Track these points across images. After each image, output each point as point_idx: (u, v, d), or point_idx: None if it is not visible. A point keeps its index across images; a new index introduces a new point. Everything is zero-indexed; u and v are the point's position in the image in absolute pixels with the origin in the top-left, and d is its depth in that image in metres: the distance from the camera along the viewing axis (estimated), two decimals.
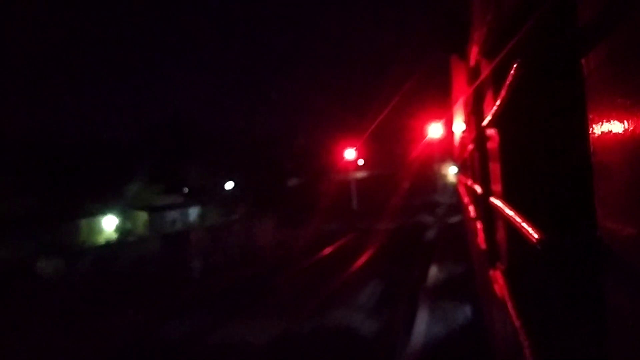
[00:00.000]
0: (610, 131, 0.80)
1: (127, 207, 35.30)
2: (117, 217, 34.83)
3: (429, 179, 40.41)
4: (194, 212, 40.69)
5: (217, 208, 40.83)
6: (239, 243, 21.66)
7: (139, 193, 35.47)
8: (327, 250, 19.26)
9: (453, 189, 31.55)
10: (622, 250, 0.78)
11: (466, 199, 7.81)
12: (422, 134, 33.57)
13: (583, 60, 0.90)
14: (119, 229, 34.54)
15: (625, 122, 0.73)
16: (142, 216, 36.63)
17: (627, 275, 0.76)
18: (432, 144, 34.69)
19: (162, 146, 40.84)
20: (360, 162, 50.70)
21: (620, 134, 0.75)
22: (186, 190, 41.96)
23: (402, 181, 39.27)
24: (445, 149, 32.99)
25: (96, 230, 33.92)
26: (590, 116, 0.88)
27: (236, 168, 40.52)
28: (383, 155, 48.17)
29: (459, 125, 8.44)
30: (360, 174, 45.98)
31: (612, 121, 0.79)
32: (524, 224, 1.28)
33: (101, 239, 31.70)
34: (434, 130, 30.34)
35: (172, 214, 38.59)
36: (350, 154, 38.32)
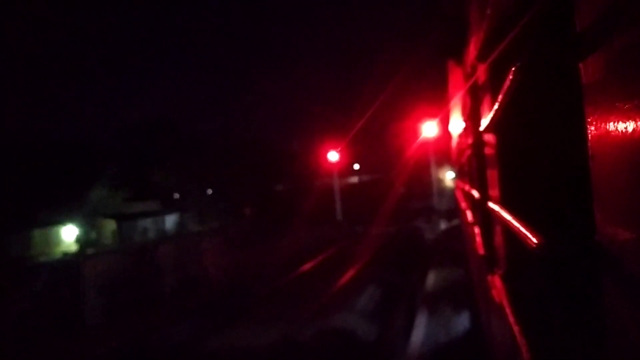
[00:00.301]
0: (609, 136, 0.80)
1: (92, 215, 31.25)
2: (78, 226, 30.97)
3: (425, 184, 36.95)
4: (171, 220, 37.13)
5: (197, 215, 37.35)
6: (177, 268, 16.34)
7: (106, 199, 31.91)
8: (294, 275, 15.30)
9: (451, 194, 30.58)
10: (621, 254, 0.78)
11: (464, 204, 7.82)
12: (416, 134, 31.15)
13: (581, 65, 0.90)
14: (80, 240, 30.73)
15: (624, 126, 0.73)
16: (110, 225, 32.80)
17: (626, 279, 0.76)
18: (428, 147, 32.35)
19: (138, 149, 37.26)
20: (356, 166, 47.62)
21: (619, 138, 0.76)
22: (177, 195, 38.56)
23: (395, 186, 36.39)
24: (442, 153, 30.90)
25: (53, 241, 30.27)
26: (589, 121, 0.88)
27: (220, 172, 37.39)
28: (373, 159, 44.93)
29: (456, 129, 8.46)
30: (347, 179, 42.06)
31: (610, 126, 0.79)
32: (522, 229, 1.28)
33: (59, 252, 28.30)
34: (429, 129, 27.98)
35: (145, 223, 34.66)
36: (333, 156, 34.49)
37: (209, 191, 39.83)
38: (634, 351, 0.75)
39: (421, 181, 38.16)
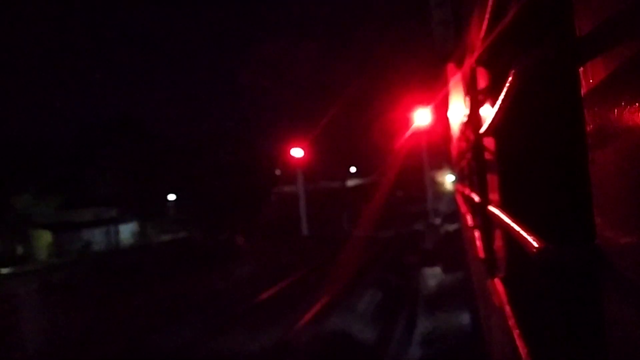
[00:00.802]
0: (608, 140, 0.80)
1: (19, 226, 25.09)
2: None
3: (419, 187, 30.59)
4: (127, 230, 31.32)
5: (160, 224, 31.87)
6: None
7: (42, 206, 26.00)
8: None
9: (448, 198, 28.93)
10: (621, 258, 0.78)
11: (464, 208, 7.83)
12: (407, 130, 26.19)
13: (581, 70, 0.90)
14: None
15: (623, 131, 0.73)
16: (46, 237, 26.97)
17: (626, 283, 0.76)
18: (421, 146, 27.41)
19: (89, 149, 31.79)
20: (353, 169, 40.63)
21: (618, 142, 0.76)
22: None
23: (380, 192, 29.83)
24: (440, 153, 28.44)
25: None
26: (588, 125, 0.89)
27: (184, 175, 32.31)
28: (355, 159, 38.06)
29: (456, 132, 8.47)
30: (326, 183, 35.06)
31: (609, 130, 0.79)
32: (522, 233, 1.28)
33: None
34: (423, 123, 23.63)
35: (92, 233, 28.72)
36: (298, 153, 27.61)
37: (172, 196, 33.97)
38: (635, 356, 0.75)
39: (415, 184, 33.04)
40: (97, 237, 29.32)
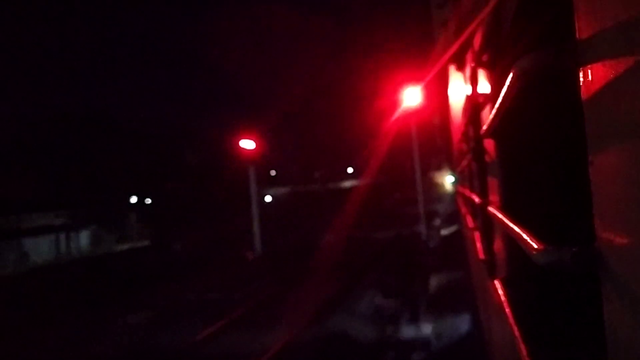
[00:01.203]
0: (607, 141, 0.80)
1: None
2: None
3: (412, 189, 24.84)
4: (81, 238, 26.78)
5: (118, 231, 27.39)
6: None
7: None
8: None
9: (444, 201, 27.26)
10: (620, 260, 0.78)
11: (464, 209, 7.82)
12: (396, 125, 22.12)
13: (581, 71, 0.91)
14: None
15: (623, 132, 0.73)
16: None
17: (625, 285, 0.76)
18: (414, 149, 22.42)
19: (35, 144, 27.39)
20: (350, 170, 37.76)
21: (618, 144, 0.76)
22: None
23: (372, 196, 24.52)
24: (438, 152, 26.29)
25: None
26: (588, 126, 0.89)
27: (148, 176, 28.28)
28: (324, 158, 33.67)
29: (457, 132, 8.47)
30: (304, 186, 28.77)
31: (609, 131, 0.79)
32: (522, 234, 1.28)
33: None
34: (413, 110, 19.84)
35: (35, 243, 24.09)
36: (248, 145, 21.33)
37: (134, 199, 29.39)
38: (634, 356, 0.75)
39: (414, 186, 27.40)
40: (42, 247, 24.71)
